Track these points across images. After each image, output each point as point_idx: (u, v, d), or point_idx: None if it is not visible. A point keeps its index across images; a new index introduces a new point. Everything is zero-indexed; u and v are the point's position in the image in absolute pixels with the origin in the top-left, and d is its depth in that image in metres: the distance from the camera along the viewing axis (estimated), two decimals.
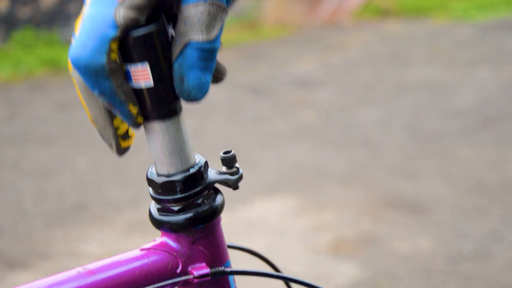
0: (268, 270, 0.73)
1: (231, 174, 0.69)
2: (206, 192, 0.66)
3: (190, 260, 0.65)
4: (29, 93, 5.56)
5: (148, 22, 0.61)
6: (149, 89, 0.62)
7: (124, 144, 0.66)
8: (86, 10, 0.60)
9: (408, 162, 3.79)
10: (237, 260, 0.78)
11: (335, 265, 2.85)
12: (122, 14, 0.59)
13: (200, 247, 0.66)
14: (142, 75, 0.62)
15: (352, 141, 4.14)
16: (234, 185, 0.69)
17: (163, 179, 0.65)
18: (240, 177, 0.69)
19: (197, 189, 0.66)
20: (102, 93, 0.61)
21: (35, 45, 6.46)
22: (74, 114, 4.91)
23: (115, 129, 0.65)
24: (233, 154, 0.69)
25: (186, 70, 0.61)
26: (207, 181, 0.66)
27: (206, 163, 0.67)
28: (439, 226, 3.08)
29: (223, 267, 0.66)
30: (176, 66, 0.61)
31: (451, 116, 4.41)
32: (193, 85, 0.61)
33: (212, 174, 0.68)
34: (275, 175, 3.72)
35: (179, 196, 0.65)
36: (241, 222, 3.20)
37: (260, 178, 3.65)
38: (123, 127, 0.66)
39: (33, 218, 3.44)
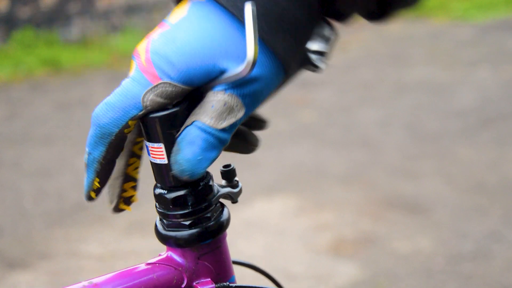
0: (273, 285, 0.74)
1: (232, 187, 0.69)
2: (214, 206, 0.66)
3: (195, 275, 0.65)
4: (29, 93, 5.56)
5: (174, 105, 0.61)
6: (165, 165, 0.63)
7: (122, 206, 0.70)
8: (126, 80, 0.61)
9: (408, 162, 3.79)
10: (241, 275, 0.78)
11: (335, 265, 2.85)
12: (150, 98, 0.60)
13: (206, 263, 0.66)
14: (157, 154, 0.62)
15: (352, 141, 4.14)
16: (235, 199, 0.69)
17: (174, 194, 0.64)
18: (240, 191, 0.70)
19: (207, 203, 0.65)
20: (89, 152, 0.63)
21: (35, 45, 6.45)
22: (74, 114, 4.91)
23: (122, 190, 0.68)
24: (233, 168, 0.70)
25: (184, 144, 0.60)
26: (214, 194, 0.66)
27: (212, 177, 0.67)
28: (439, 226, 3.09)
29: (228, 283, 0.66)
30: (178, 139, 0.61)
31: (451, 116, 4.42)
32: (187, 158, 0.60)
33: (216, 187, 0.67)
34: (275, 175, 3.72)
35: (190, 210, 0.65)
36: (241, 222, 3.20)
37: (260, 178, 3.64)
38: (130, 192, 0.69)
39: (33, 218, 3.44)
